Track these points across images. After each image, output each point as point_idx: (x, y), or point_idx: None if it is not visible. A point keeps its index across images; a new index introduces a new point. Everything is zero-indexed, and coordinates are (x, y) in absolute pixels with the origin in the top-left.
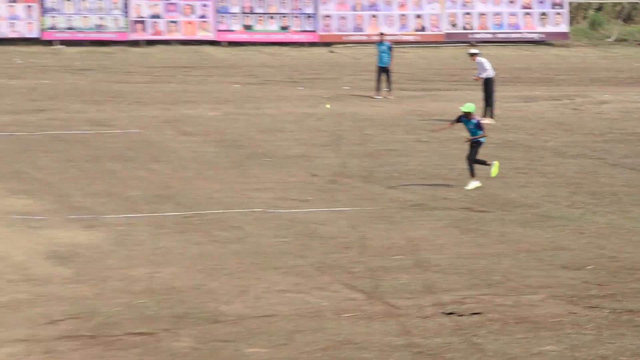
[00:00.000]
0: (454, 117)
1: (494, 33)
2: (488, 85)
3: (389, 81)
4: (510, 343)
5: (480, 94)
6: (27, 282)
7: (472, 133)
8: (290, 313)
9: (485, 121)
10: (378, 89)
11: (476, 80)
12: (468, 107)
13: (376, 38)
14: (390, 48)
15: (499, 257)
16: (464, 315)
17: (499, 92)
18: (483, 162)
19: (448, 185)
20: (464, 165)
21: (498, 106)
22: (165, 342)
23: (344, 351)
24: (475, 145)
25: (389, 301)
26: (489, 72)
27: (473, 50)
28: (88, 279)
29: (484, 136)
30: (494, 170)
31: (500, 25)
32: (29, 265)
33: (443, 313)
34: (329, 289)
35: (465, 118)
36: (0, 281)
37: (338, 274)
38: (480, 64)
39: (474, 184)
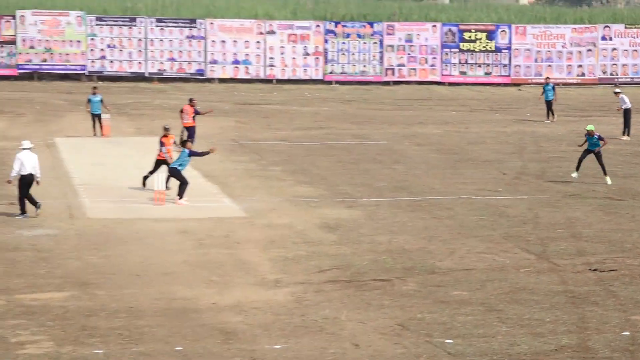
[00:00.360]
0: (584, 136)
1: (632, 78)
2: (627, 114)
3: (552, 110)
4: (637, 291)
5: (620, 120)
6: (306, 243)
7: (595, 145)
8: (484, 268)
9: (624, 138)
10: (547, 115)
11: (618, 110)
12: (589, 127)
13: (544, 81)
14: (553, 87)
15: (630, 231)
16: (604, 271)
17: (634, 119)
18: (579, 163)
19: (595, 182)
20: (605, 167)
21: (633, 128)
22: (397, 286)
23: (521, 295)
24: (598, 154)
25: (553, 260)
26: (628, 105)
27: (617, 90)
28: (347, 242)
29: (605, 144)
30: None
31: (636, 72)
32: (307, 232)
33: (589, 269)
34: (511, 251)
35: (588, 135)
36: (288, 242)
37: (518, 241)
38: (622, 99)
39: (609, 179)
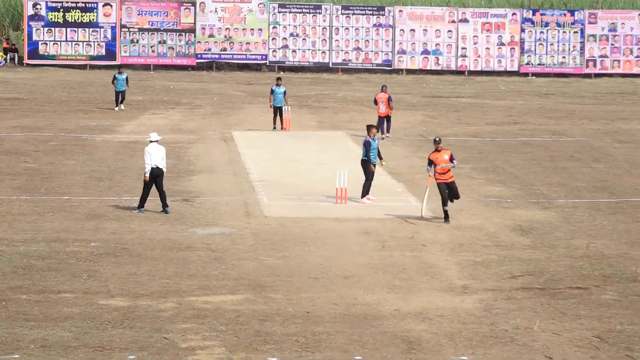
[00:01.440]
0: None
1: None
2: None
3: None
4: None
5: None
6: (497, 247)
7: None
8: None
9: None
10: None
11: None
12: None
13: None
14: None
15: None
16: None
17: None
18: None
19: None
20: None
21: None
22: (595, 295)
23: None
24: None
25: None
26: None
27: None
28: (541, 246)
29: None
30: None
31: None
32: (499, 234)
33: None
34: None
35: None
36: (477, 246)
37: None
38: None
39: None
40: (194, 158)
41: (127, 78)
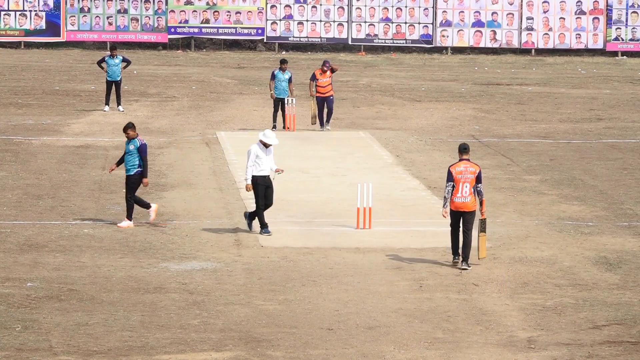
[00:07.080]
0: None
1: None
2: None
3: None
4: None
5: None
6: (574, 286)
7: None
8: None
9: None
10: None
11: None
12: None
13: None
14: None
15: None
16: None
17: None
18: None
19: None
20: None
21: None
22: None
23: None
24: None
25: None
26: None
27: None
28: (634, 286)
29: None
30: None
31: None
32: (576, 270)
33: None
34: None
35: None
36: (548, 285)
37: None
38: None
39: None
40: (165, 168)
41: (124, 61)
